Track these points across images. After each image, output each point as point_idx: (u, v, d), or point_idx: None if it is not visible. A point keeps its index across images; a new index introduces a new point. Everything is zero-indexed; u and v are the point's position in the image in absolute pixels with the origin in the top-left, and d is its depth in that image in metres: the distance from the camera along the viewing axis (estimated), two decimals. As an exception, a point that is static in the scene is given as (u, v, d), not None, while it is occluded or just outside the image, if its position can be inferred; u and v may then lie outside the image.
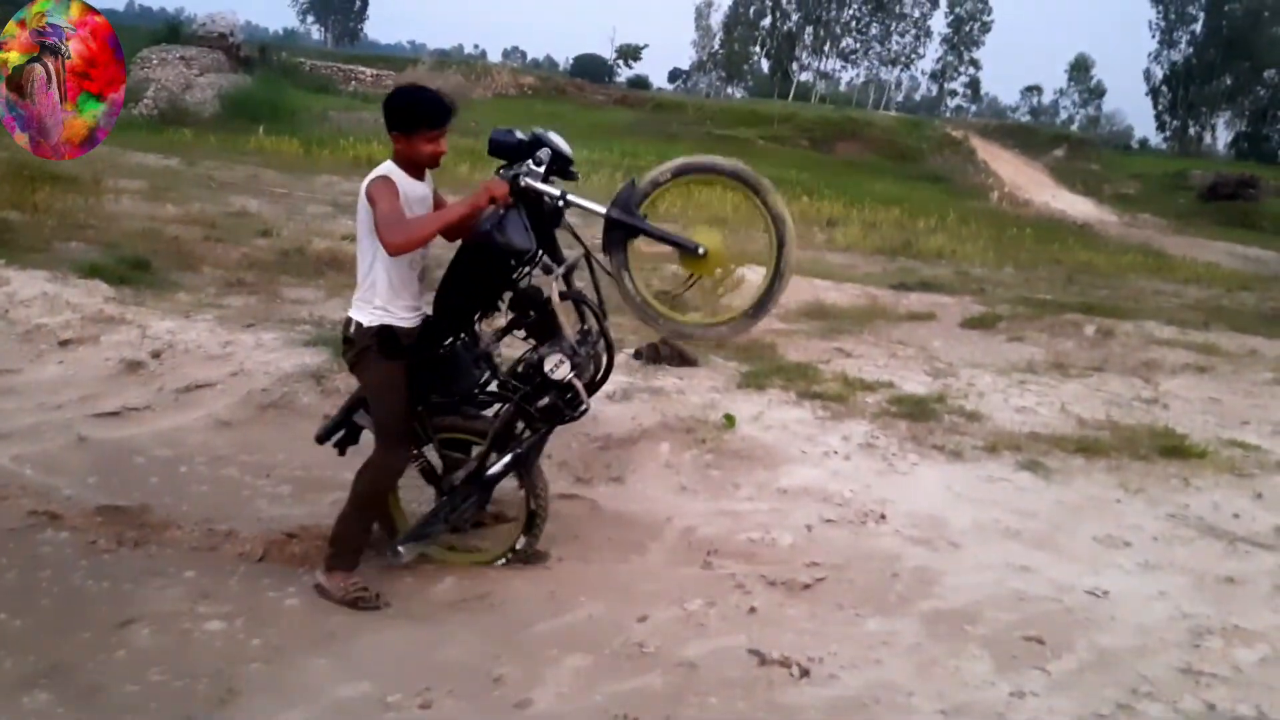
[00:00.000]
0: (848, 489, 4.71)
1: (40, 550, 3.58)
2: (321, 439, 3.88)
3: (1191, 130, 71.33)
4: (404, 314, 3.52)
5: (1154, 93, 71.85)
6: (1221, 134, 72.92)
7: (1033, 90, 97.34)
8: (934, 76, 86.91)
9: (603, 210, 3.52)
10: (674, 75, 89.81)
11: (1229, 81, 67.86)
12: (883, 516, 4.48)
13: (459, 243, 3.58)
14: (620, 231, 3.56)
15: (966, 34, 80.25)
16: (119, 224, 9.30)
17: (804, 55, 77.92)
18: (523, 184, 3.42)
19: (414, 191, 3.48)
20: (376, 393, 3.59)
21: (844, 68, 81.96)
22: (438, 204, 3.64)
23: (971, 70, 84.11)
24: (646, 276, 3.77)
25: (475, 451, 3.78)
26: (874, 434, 5.43)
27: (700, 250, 3.50)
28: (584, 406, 3.63)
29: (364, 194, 3.37)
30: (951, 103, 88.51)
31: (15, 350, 5.48)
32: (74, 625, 3.15)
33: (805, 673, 3.17)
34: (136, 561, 3.59)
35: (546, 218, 3.51)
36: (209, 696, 2.86)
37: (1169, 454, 5.57)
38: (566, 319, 3.60)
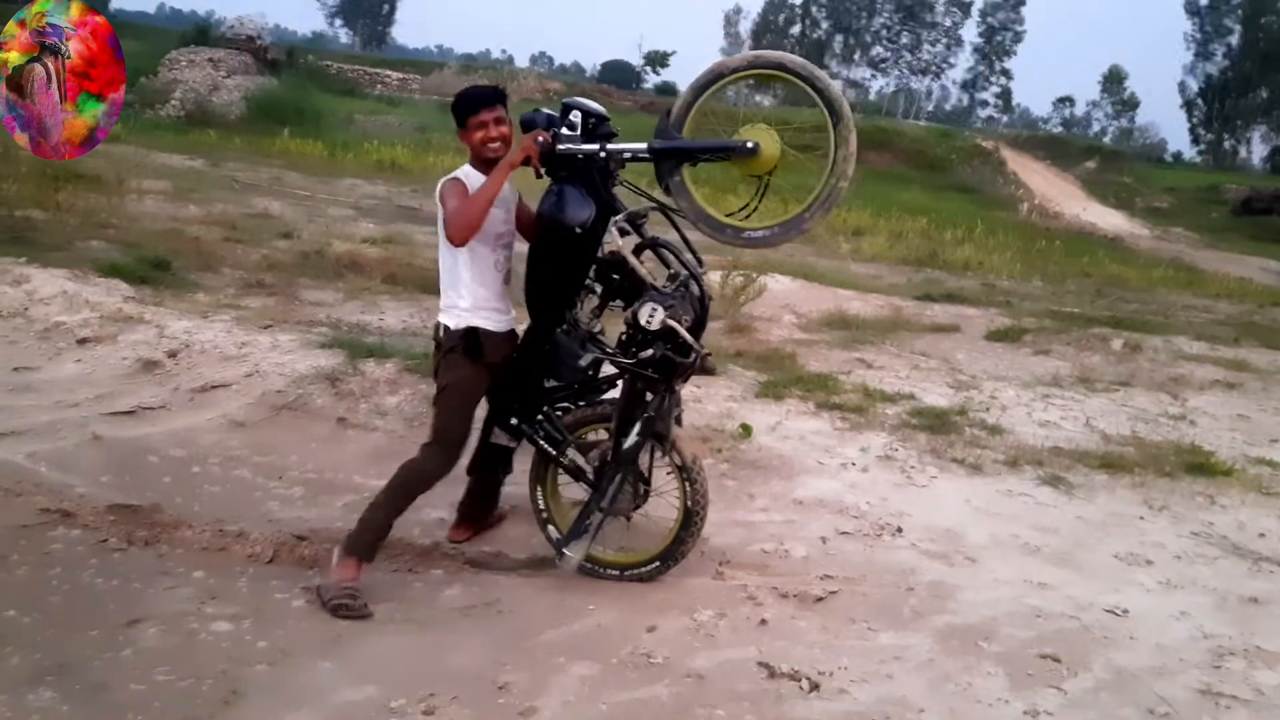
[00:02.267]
0: (864, 501, 4.66)
1: (51, 547, 3.59)
2: (471, 471, 3.98)
3: (1226, 144, 70.62)
4: (491, 317, 3.57)
5: (1188, 105, 71.23)
6: (1257, 148, 72.13)
7: (1065, 101, 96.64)
8: (965, 86, 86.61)
9: (644, 145, 3.49)
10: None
11: (1265, 95, 67.14)
12: (899, 530, 4.42)
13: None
14: (670, 160, 3.54)
15: (998, 44, 79.94)
16: (141, 224, 9.37)
17: (834, 63, 77.84)
18: (560, 147, 3.42)
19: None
20: (448, 392, 3.59)
21: (874, 76, 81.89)
22: (523, 213, 3.70)
23: (1003, 80, 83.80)
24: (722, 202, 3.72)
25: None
26: (893, 446, 5.37)
27: (750, 145, 3.42)
28: (694, 353, 3.51)
29: (437, 196, 3.45)
30: (982, 113, 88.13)
31: (34, 348, 5.51)
32: (82, 623, 3.14)
33: (815, 686, 3.12)
34: (146, 561, 3.59)
35: (599, 179, 3.50)
36: (213, 697, 2.84)
37: (1195, 471, 5.48)
38: (650, 269, 3.56)
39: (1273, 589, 4.19)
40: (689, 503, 3.67)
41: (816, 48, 76.15)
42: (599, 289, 3.66)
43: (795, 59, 3.52)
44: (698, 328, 3.57)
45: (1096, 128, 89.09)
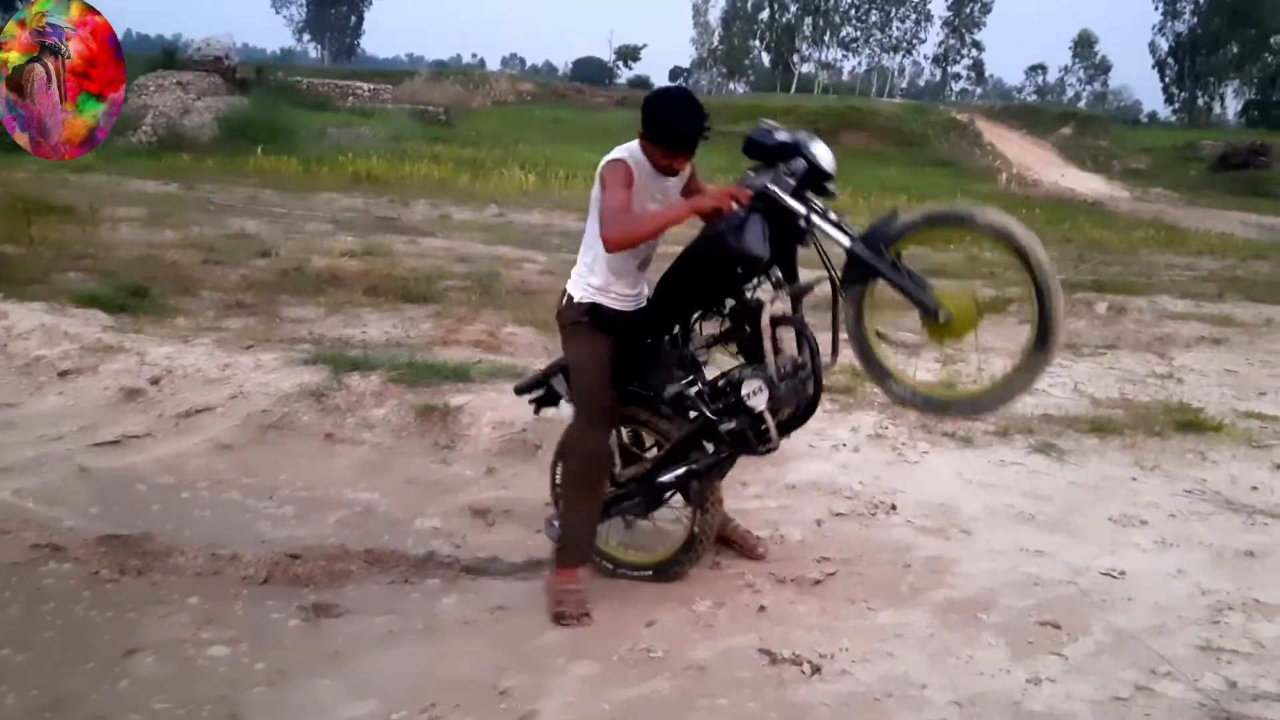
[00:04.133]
0: (857, 481, 4.66)
1: (43, 583, 3.55)
2: (520, 391, 3.86)
3: (1200, 101, 70.88)
4: (618, 296, 3.47)
5: (1160, 65, 71.46)
6: (1231, 103, 72.47)
7: (1037, 69, 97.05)
8: (937, 61, 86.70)
9: (847, 243, 3.16)
10: (675, 74, 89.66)
11: (1235, 50, 67.39)
12: (893, 507, 4.42)
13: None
14: (862, 270, 3.19)
15: (967, 16, 79.99)
16: (117, 252, 9.31)
17: (804, 46, 77.89)
18: (768, 191, 3.18)
19: (649, 182, 3.34)
20: (579, 367, 3.51)
21: (845, 57, 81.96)
22: (692, 188, 3.52)
23: (974, 52, 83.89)
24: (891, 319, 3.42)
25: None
26: (883, 424, 5.37)
27: (942, 317, 3.10)
28: (772, 445, 3.43)
29: (598, 175, 3.28)
30: (956, 86, 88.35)
31: (14, 383, 5.47)
32: (77, 657, 3.11)
33: (817, 669, 3.12)
34: (140, 590, 3.56)
35: (790, 231, 3.24)
36: (213, 723, 2.83)
37: (1184, 429, 5.50)
38: (780, 345, 3.37)
39: (1268, 541, 4.21)
40: (695, 529, 3.66)
41: (786, 32, 76.08)
42: (726, 324, 3.48)
43: (1008, 224, 3.09)
44: (791, 423, 3.46)
45: (1070, 93, 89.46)
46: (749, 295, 3.37)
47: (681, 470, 3.60)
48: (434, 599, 3.62)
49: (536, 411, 3.90)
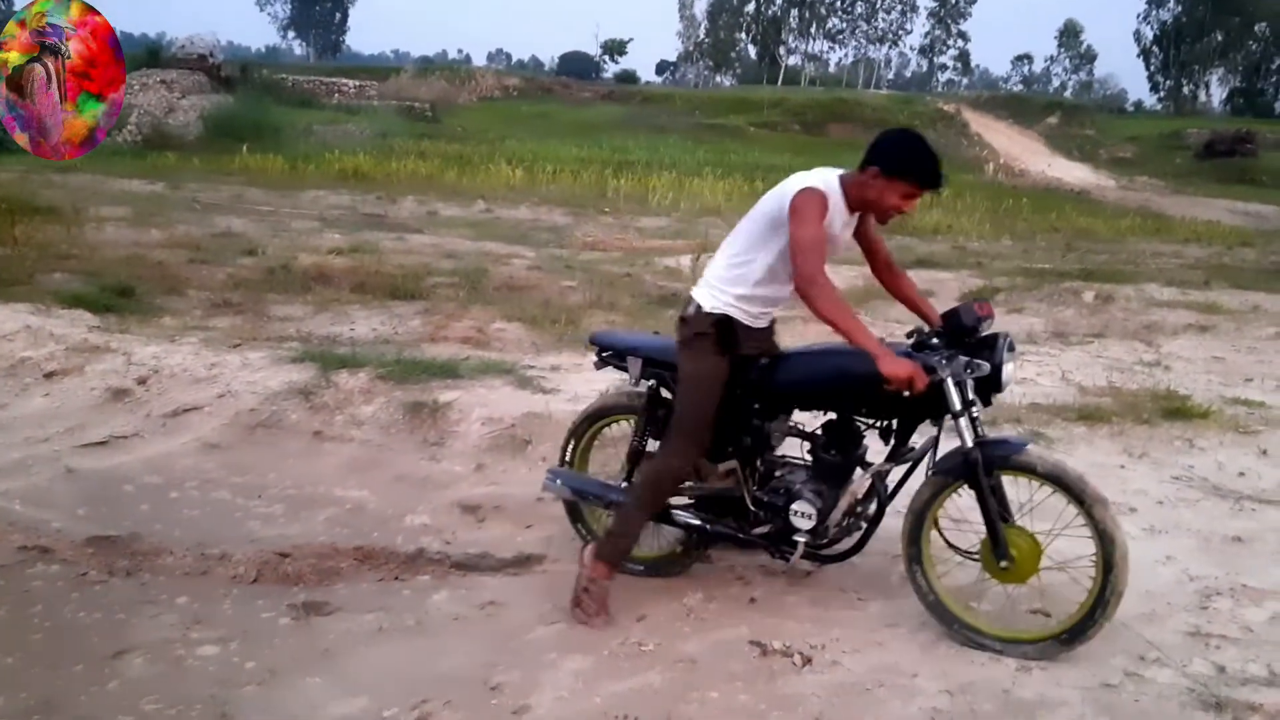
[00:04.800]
0: (846, 472, 4.65)
1: (31, 585, 3.53)
2: (595, 340, 3.78)
3: (1186, 89, 71.12)
4: (751, 313, 3.33)
5: (1145, 54, 71.71)
6: (1216, 91, 72.76)
7: (1023, 59, 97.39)
8: (923, 52, 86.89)
9: (969, 444, 3.13)
10: (661, 67, 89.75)
11: (1220, 38, 67.63)
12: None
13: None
14: (963, 472, 3.17)
15: (953, 6, 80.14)
16: (102, 252, 9.27)
17: (790, 39, 77.89)
18: (944, 379, 3.10)
19: (839, 221, 3.22)
20: (688, 383, 3.35)
21: (831, 49, 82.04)
22: (865, 232, 3.44)
23: (960, 43, 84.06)
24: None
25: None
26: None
27: (1004, 564, 3.12)
28: (790, 562, 3.44)
29: (789, 198, 3.12)
30: (942, 77, 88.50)
31: (0, 385, 5.44)
32: (66, 659, 3.10)
33: (808, 660, 3.12)
34: (128, 591, 3.54)
35: (931, 409, 3.22)
36: (203, 723, 2.82)
37: (1172, 416, 5.53)
38: (852, 488, 3.36)
39: (1255, 526, 4.23)
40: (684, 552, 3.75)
41: (772, 24, 76.06)
42: (820, 429, 3.46)
43: (1067, 471, 3.13)
44: (814, 555, 3.46)
45: (1056, 83, 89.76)
46: (856, 425, 3.37)
47: (694, 521, 3.57)
48: (424, 595, 3.61)
49: (598, 367, 3.79)
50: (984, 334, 3.23)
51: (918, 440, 3.41)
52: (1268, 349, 7.61)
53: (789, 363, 3.44)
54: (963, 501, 3.25)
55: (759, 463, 3.49)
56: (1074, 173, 33.48)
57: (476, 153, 24.62)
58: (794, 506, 3.33)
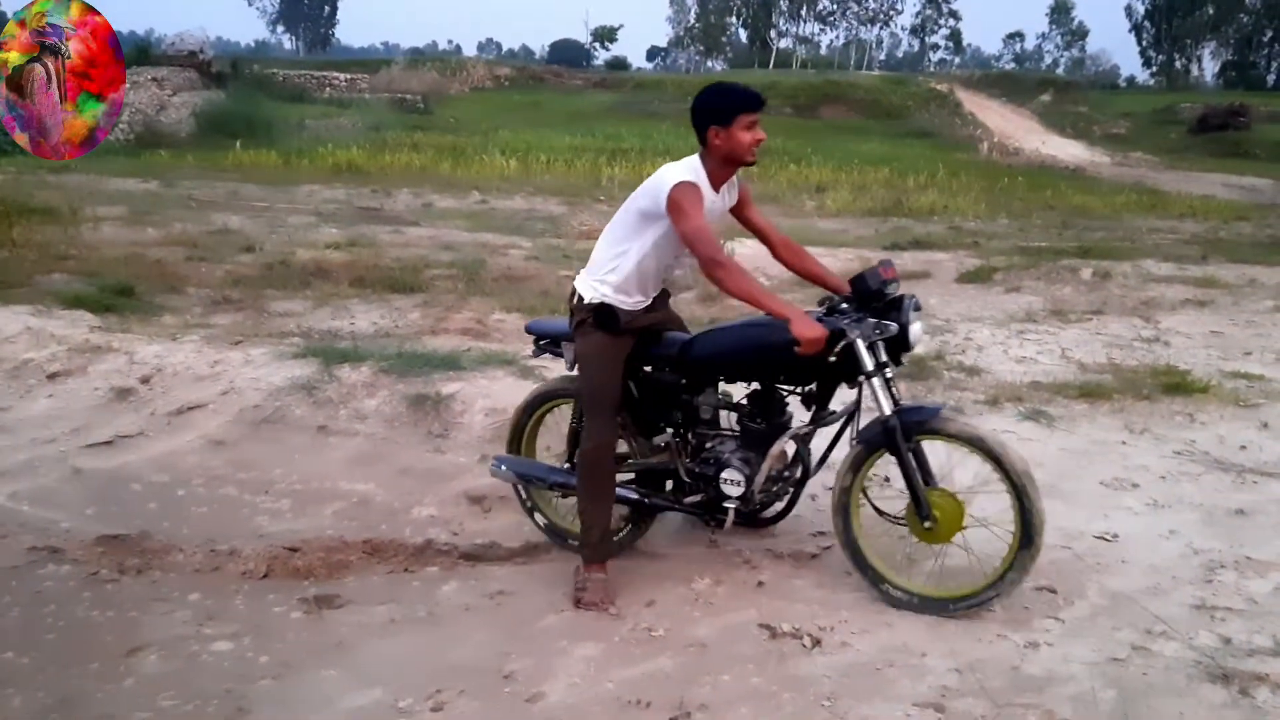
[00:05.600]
0: (849, 455, 4.67)
1: (43, 585, 3.56)
2: (531, 329, 3.95)
3: (1178, 64, 70.96)
4: (629, 301, 3.50)
5: (1137, 29, 71.50)
6: (1208, 65, 72.59)
7: (1015, 37, 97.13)
8: (914, 32, 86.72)
9: (887, 412, 3.29)
10: (652, 53, 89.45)
11: (1211, 11, 67.44)
12: (886, 479, 4.42)
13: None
14: (884, 441, 3.33)
15: (943, -14, 79.78)
16: (100, 252, 9.26)
17: (781, 21, 77.66)
18: (853, 339, 3.24)
19: (713, 204, 3.38)
20: (586, 363, 3.54)
21: (823, 31, 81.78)
22: (748, 215, 3.59)
23: (951, 22, 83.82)
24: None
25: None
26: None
27: (928, 523, 3.29)
28: (723, 528, 3.61)
29: (665, 193, 3.25)
30: (934, 57, 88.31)
31: (3, 387, 5.43)
32: (81, 657, 3.12)
33: (817, 642, 3.15)
34: (140, 589, 3.56)
35: (846, 372, 3.35)
36: (220, 717, 2.84)
37: (1172, 391, 5.55)
38: (775, 453, 3.46)
39: (1258, 499, 4.26)
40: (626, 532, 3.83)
41: (763, 7, 75.80)
42: (745, 402, 3.59)
43: (980, 434, 3.33)
44: (748, 520, 3.65)
45: (1048, 60, 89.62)
46: (777, 395, 3.52)
47: (632, 495, 3.70)
48: (434, 587, 3.63)
49: (535, 355, 3.99)
50: (891, 296, 3.35)
51: (839, 407, 3.57)
52: (1266, 322, 7.62)
53: (709, 338, 3.58)
54: (895, 468, 3.39)
55: (690, 436, 3.64)
56: (1068, 150, 33.42)
57: (470, 144, 24.54)
58: (723, 475, 3.47)
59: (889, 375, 3.33)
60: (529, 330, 3.98)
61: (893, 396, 3.31)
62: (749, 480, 3.44)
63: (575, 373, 3.72)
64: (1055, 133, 37.59)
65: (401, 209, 14.27)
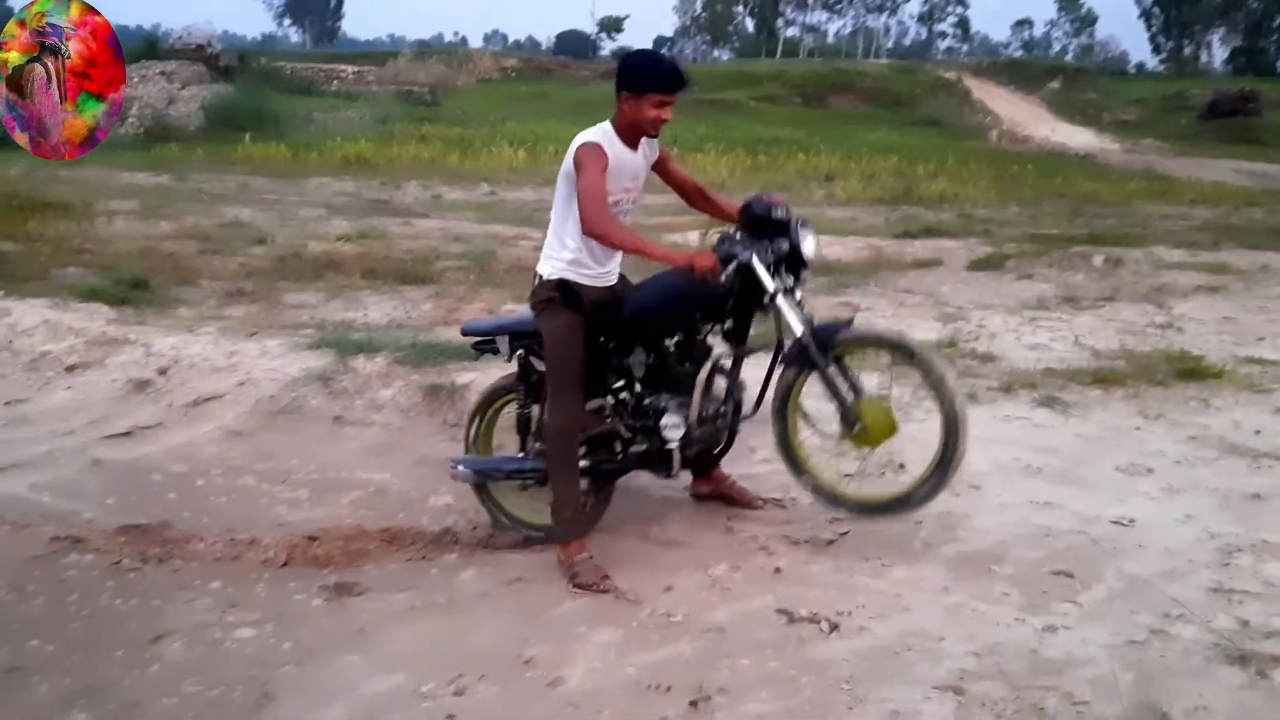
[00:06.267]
0: (864, 441, 4.68)
1: (66, 575, 3.59)
2: (466, 332, 4.03)
3: (1187, 50, 70.52)
4: (589, 273, 3.56)
5: (1146, 15, 71.05)
6: (1218, 51, 72.12)
7: (1023, 24, 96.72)
8: (922, 19, 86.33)
9: (798, 332, 3.44)
10: (659, 43, 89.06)
11: (1220, -4, 66.95)
12: (901, 466, 4.44)
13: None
14: (802, 359, 3.49)
15: (950, -27, 79.36)
16: (114, 245, 9.30)
17: (788, 10, 77.32)
18: (749, 261, 3.40)
19: (625, 161, 3.48)
20: (551, 342, 3.58)
21: (830, 19, 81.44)
22: (668, 170, 3.75)
23: (959, 9, 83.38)
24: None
25: None
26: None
27: (857, 426, 3.45)
28: (672, 475, 3.70)
29: (572, 155, 3.40)
30: (942, 45, 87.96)
31: (22, 380, 5.49)
32: (106, 645, 3.15)
33: (835, 627, 3.16)
34: (162, 577, 3.60)
35: (755, 298, 3.49)
36: (244, 703, 2.87)
37: (1186, 377, 5.55)
38: (710, 391, 3.61)
39: (1273, 483, 4.25)
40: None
41: (770, -4, 75.51)
42: (672, 351, 3.66)
43: (906, 341, 3.54)
44: (696, 460, 3.81)
45: (1057, 47, 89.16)
46: (700, 337, 3.62)
47: (585, 464, 3.74)
48: (452, 574, 3.66)
49: (477, 357, 4.12)
50: (779, 220, 3.48)
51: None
52: (1279, 308, 7.61)
53: (629, 297, 3.66)
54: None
55: (628, 396, 3.73)
56: (1078, 137, 33.24)
57: (478, 135, 24.54)
58: (662, 421, 3.57)
59: (797, 297, 3.47)
60: (464, 333, 4.06)
61: (801, 318, 3.44)
62: (686, 419, 3.55)
63: (514, 366, 3.84)
64: (1065, 120, 37.39)
65: (411, 201, 14.29)
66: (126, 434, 4.84)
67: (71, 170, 14.92)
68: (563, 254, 3.55)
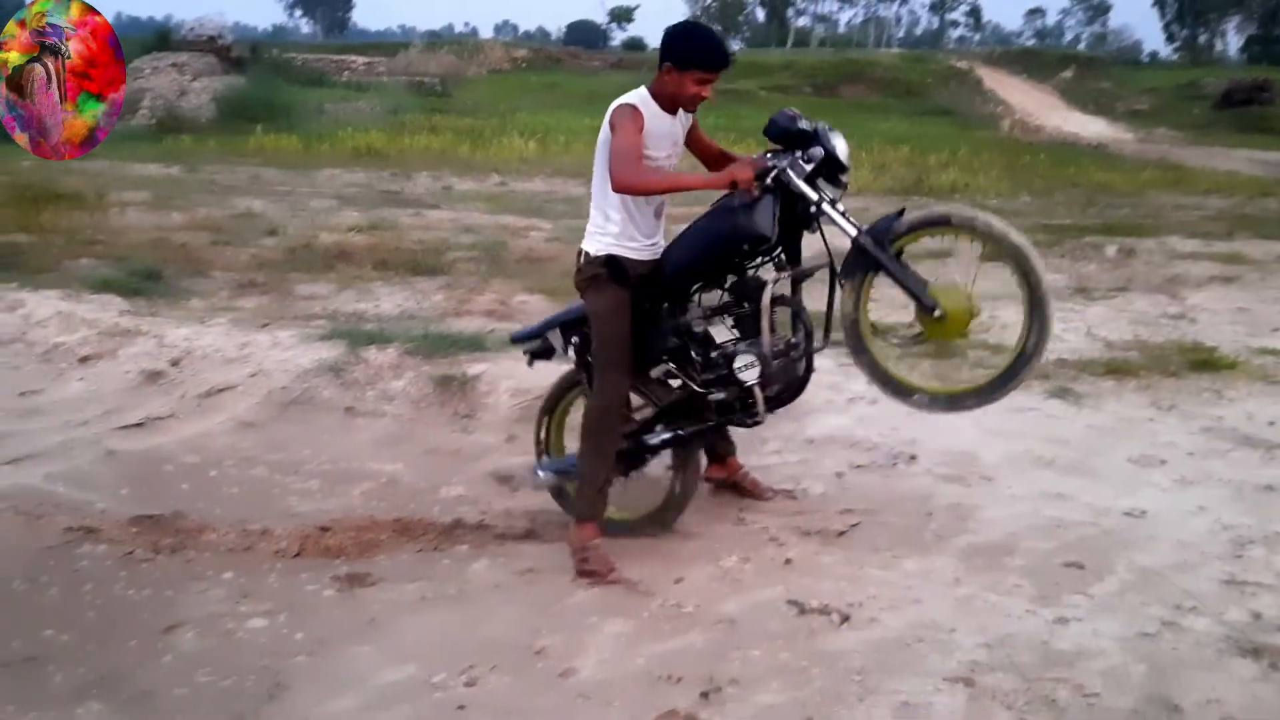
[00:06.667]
0: (875, 433, 4.69)
1: (80, 565, 3.61)
2: (515, 340, 4.00)
3: (1201, 38, 69.97)
4: (635, 245, 3.50)
5: (1160, 3, 70.47)
6: (1233, 39, 71.54)
7: (1036, 13, 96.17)
8: (934, 8, 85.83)
9: (853, 233, 3.30)
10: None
11: (1236, -17, 66.38)
12: (913, 457, 4.45)
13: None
14: (864, 260, 3.34)
15: (962, -38, 78.93)
16: (126, 236, 9.32)
17: (799, 0, 76.96)
18: (783, 177, 3.28)
19: (660, 127, 3.41)
20: (599, 319, 3.53)
21: (841, 9, 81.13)
22: (695, 137, 3.64)
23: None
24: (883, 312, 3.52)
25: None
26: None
27: (937, 312, 3.25)
28: (758, 419, 3.59)
29: (607, 120, 3.34)
30: (954, 34, 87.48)
31: (36, 371, 5.51)
32: (119, 635, 3.18)
33: (845, 618, 3.16)
34: (175, 568, 3.62)
35: (798, 217, 3.38)
36: (257, 693, 2.89)
37: (1199, 368, 5.53)
38: (776, 325, 3.48)
39: (1287, 475, 4.23)
40: (676, 489, 3.77)
41: (781, -14, 75.22)
42: (726, 298, 3.58)
43: (1027, 246, 3.25)
44: (778, 400, 3.60)
45: (1070, 36, 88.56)
46: (751, 274, 3.50)
47: (668, 435, 3.71)
48: (464, 565, 3.67)
49: (530, 363, 4.01)
50: (805, 130, 3.36)
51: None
52: (1293, 298, 7.57)
53: (666, 256, 3.57)
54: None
55: (694, 355, 3.60)
56: (1090, 127, 33.02)
57: (488, 126, 24.50)
58: (735, 365, 3.45)
59: (840, 208, 3.33)
60: (514, 341, 4.04)
61: (851, 220, 3.32)
62: (760, 356, 3.44)
63: (573, 359, 3.76)
64: (1077, 109, 37.15)
65: (421, 192, 14.28)
66: (140, 425, 4.85)
67: (82, 161, 14.89)
68: (608, 227, 3.49)
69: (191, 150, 18.77)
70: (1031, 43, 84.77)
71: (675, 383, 3.70)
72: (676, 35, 3.40)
